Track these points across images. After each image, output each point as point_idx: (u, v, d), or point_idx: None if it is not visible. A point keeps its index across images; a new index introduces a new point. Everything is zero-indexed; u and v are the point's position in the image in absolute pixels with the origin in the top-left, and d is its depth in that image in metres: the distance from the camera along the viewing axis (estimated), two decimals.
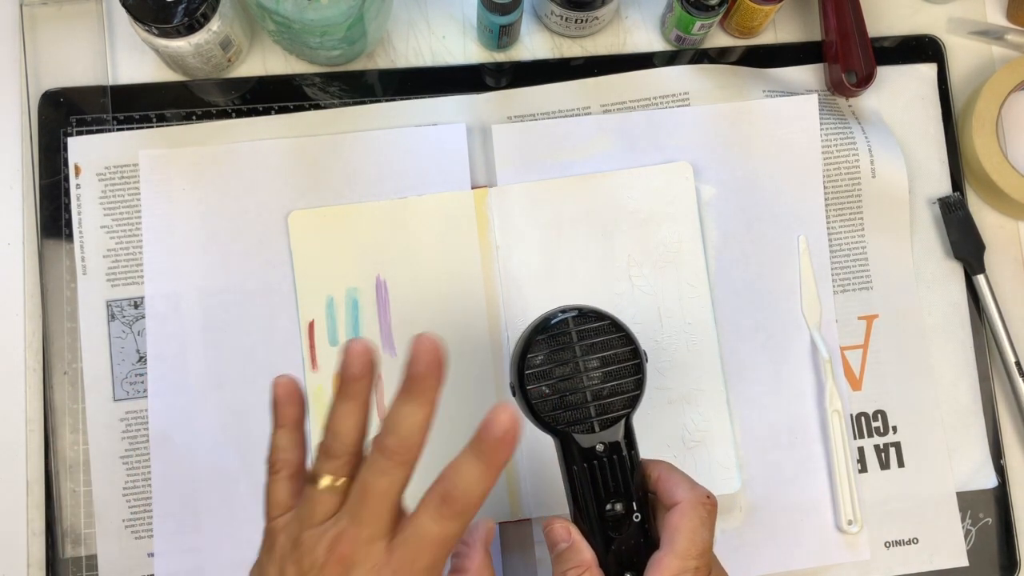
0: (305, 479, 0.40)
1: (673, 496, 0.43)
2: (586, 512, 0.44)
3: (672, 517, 0.42)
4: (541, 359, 0.43)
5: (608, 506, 0.43)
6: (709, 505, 0.43)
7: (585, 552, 0.42)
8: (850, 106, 0.66)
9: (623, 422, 0.44)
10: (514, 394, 0.44)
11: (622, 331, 0.44)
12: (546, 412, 0.43)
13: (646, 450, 0.60)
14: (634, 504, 0.43)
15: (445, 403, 0.60)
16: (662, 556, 0.42)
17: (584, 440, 0.43)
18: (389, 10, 0.62)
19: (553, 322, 0.43)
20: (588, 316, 0.43)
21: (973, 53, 0.68)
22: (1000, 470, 0.63)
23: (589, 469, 0.43)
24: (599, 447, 0.43)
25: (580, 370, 0.43)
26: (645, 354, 0.44)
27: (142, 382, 0.60)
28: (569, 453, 0.43)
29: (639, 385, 0.44)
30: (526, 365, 0.43)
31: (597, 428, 0.43)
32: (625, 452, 0.44)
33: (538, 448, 0.59)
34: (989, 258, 0.65)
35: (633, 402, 0.43)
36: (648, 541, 0.44)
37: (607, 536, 0.43)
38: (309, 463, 0.41)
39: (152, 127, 0.62)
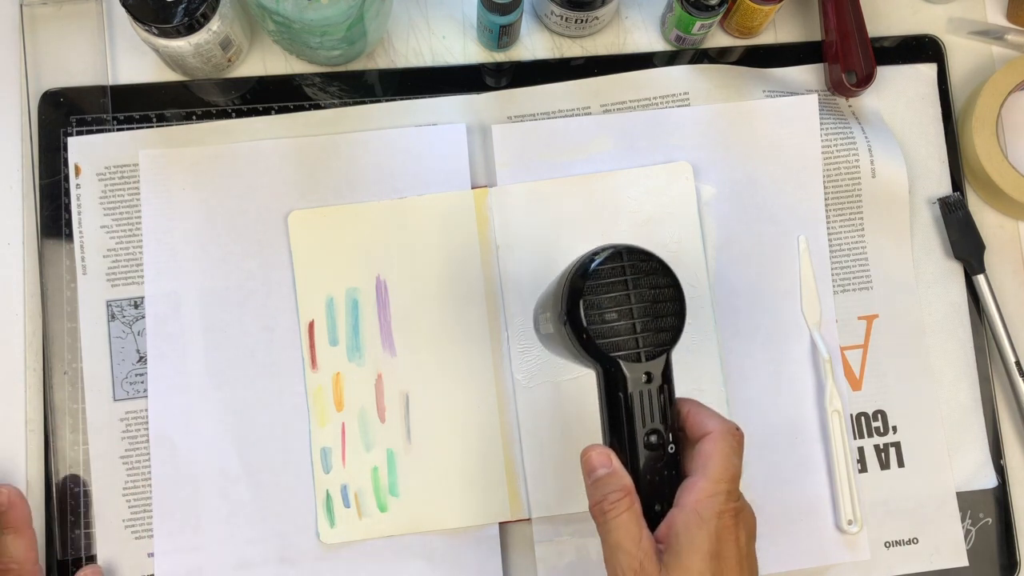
0: None
1: (704, 427, 0.45)
2: (625, 441, 0.45)
3: (705, 445, 0.44)
4: (595, 290, 0.44)
5: (646, 437, 0.45)
6: (739, 435, 0.45)
7: (625, 478, 0.44)
8: (850, 106, 0.66)
9: (665, 355, 0.45)
10: (563, 324, 0.45)
11: (667, 268, 0.45)
12: (599, 339, 0.44)
13: None
14: (669, 435, 0.45)
15: (447, 405, 0.60)
16: (695, 480, 0.43)
17: (630, 369, 0.44)
18: (389, 10, 0.62)
19: (606, 255, 0.45)
20: (636, 252, 0.45)
21: (973, 53, 0.68)
22: (1000, 470, 0.63)
23: (632, 398, 0.45)
24: (643, 377, 0.45)
25: (631, 302, 0.44)
26: None
27: (142, 382, 0.60)
28: (612, 382, 0.45)
29: (681, 320, 0.45)
30: (584, 294, 0.44)
31: (643, 359, 0.44)
32: (665, 384, 0.45)
33: (538, 448, 0.59)
34: (989, 258, 0.65)
35: (676, 336, 0.45)
36: (678, 474, 0.45)
37: (641, 466, 0.44)
38: None
39: (152, 127, 0.62)
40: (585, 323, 0.44)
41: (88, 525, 0.59)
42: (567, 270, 0.47)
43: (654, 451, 0.44)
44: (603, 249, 0.45)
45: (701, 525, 0.42)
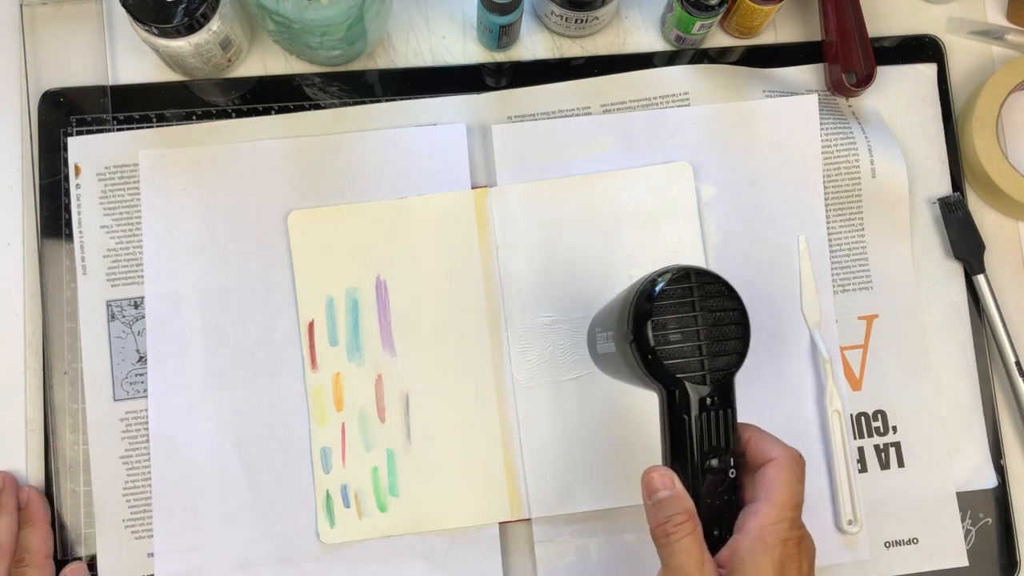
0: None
1: (767, 453, 0.45)
2: (686, 464, 0.45)
3: (769, 471, 0.44)
4: (662, 310, 0.44)
5: (707, 460, 0.44)
6: (802, 463, 0.45)
7: (688, 501, 0.43)
8: (850, 106, 0.66)
9: (729, 379, 0.45)
10: (629, 344, 0.45)
11: (733, 292, 0.45)
12: (665, 360, 0.44)
13: (649, 447, 0.60)
14: (731, 460, 0.45)
15: (447, 405, 0.60)
16: (759, 506, 0.43)
17: (694, 391, 0.44)
18: (389, 10, 0.62)
19: (674, 276, 0.45)
20: (703, 274, 0.45)
21: (973, 53, 0.68)
22: (1000, 470, 0.63)
23: (696, 421, 0.44)
24: (707, 400, 0.44)
25: (697, 324, 0.44)
26: None
27: (142, 382, 0.60)
28: (675, 404, 0.45)
29: (746, 344, 0.45)
30: (653, 314, 0.44)
31: (708, 381, 0.44)
32: (728, 408, 0.45)
33: (538, 449, 0.59)
34: (989, 258, 0.65)
35: (740, 360, 0.45)
36: (737, 500, 0.45)
37: (702, 490, 0.44)
38: None
39: (152, 127, 0.62)
40: (652, 343, 0.44)
41: (88, 525, 0.59)
42: (632, 289, 0.46)
43: (715, 475, 0.44)
44: (669, 270, 0.45)
45: (766, 551, 0.42)
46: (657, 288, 0.44)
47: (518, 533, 0.60)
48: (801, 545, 0.43)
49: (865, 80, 0.63)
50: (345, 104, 0.63)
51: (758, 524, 0.42)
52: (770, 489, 0.43)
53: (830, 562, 0.60)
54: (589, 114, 0.64)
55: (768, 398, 0.61)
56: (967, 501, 0.62)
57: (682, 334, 0.44)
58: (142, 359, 0.60)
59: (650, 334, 0.44)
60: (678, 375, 0.44)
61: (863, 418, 0.63)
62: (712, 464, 0.44)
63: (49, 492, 0.59)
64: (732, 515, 0.44)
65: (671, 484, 0.44)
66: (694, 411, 0.44)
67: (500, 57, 0.66)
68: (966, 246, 0.64)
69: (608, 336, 0.49)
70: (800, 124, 0.63)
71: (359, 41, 0.61)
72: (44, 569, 0.56)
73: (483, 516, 0.59)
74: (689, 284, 0.44)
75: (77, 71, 0.63)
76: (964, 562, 0.62)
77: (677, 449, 0.45)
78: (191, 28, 0.56)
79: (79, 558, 0.58)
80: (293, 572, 0.58)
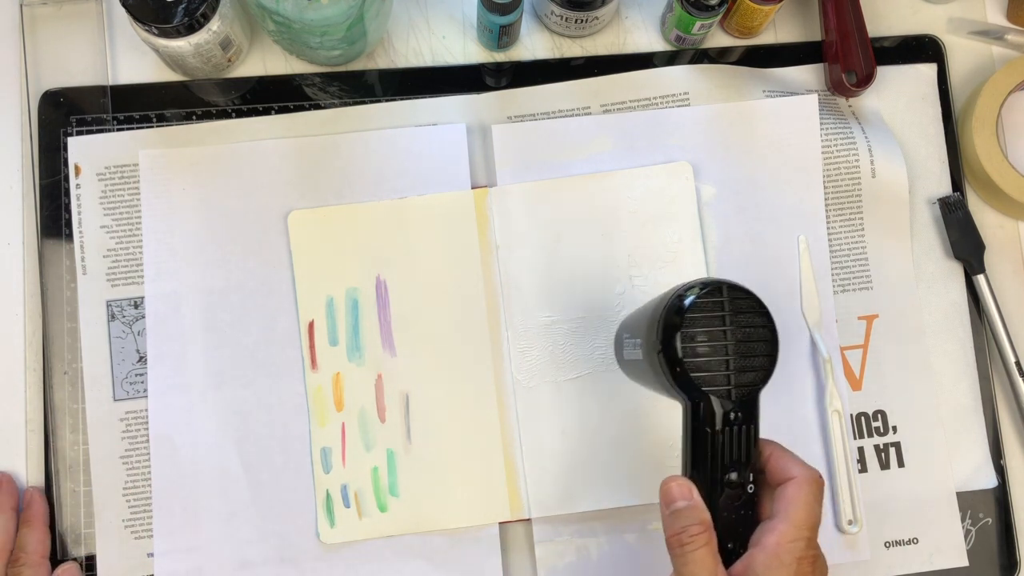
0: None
1: (788, 472, 0.45)
2: (706, 476, 0.45)
3: (788, 489, 0.44)
4: (693, 323, 0.44)
5: (727, 474, 0.44)
6: (822, 483, 0.45)
7: (705, 512, 0.43)
8: (850, 106, 0.66)
9: (754, 395, 0.45)
10: (657, 354, 0.45)
11: (763, 308, 0.45)
12: (692, 372, 0.44)
13: (649, 447, 0.60)
14: (750, 475, 0.45)
15: (447, 405, 0.60)
16: (777, 523, 0.43)
17: (719, 405, 0.44)
18: (389, 10, 0.62)
19: (707, 289, 0.45)
20: (737, 290, 0.45)
21: (973, 53, 0.68)
22: (1000, 470, 0.63)
23: (718, 434, 0.44)
24: (730, 414, 0.44)
25: (726, 339, 0.44)
26: None
27: (142, 382, 0.60)
28: (699, 416, 0.45)
29: (773, 361, 0.45)
30: (683, 325, 0.44)
31: (733, 396, 0.44)
32: (751, 424, 0.45)
33: (538, 448, 0.59)
34: (989, 258, 0.65)
35: (766, 376, 0.45)
36: (753, 515, 0.45)
37: (719, 504, 0.44)
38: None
39: (152, 127, 0.62)
40: (680, 355, 0.44)
41: (88, 525, 0.59)
42: (663, 299, 0.46)
43: (734, 489, 0.44)
44: (701, 283, 0.45)
45: (781, 568, 0.42)
46: (688, 300, 0.44)
47: (518, 533, 0.60)
48: (815, 565, 0.43)
49: (865, 80, 0.63)
50: (345, 104, 0.63)
51: (775, 541, 0.43)
52: (789, 507, 0.43)
53: (830, 562, 0.60)
54: (589, 114, 0.64)
55: (768, 398, 0.61)
56: (967, 501, 0.62)
57: (710, 347, 0.44)
58: (142, 359, 0.60)
59: (679, 346, 0.44)
60: (704, 388, 0.44)
61: (863, 418, 0.63)
62: (731, 478, 0.44)
63: (49, 492, 0.59)
64: (748, 530, 0.44)
65: (689, 495, 0.44)
66: (717, 424, 0.44)
67: (500, 57, 0.66)
68: (966, 246, 0.64)
69: (636, 343, 0.49)
70: (800, 124, 0.63)
71: (359, 41, 0.61)
72: (40, 569, 0.57)
73: (483, 516, 0.59)
74: (721, 298, 0.44)
75: (77, 71, 0.63)
76: (964, 562, 0.62)
77: (697, 460, 0.45)
78: (191, 28, 0.56)
79: (76, 558, 0.58)
80: (293, 572, 0.58)
